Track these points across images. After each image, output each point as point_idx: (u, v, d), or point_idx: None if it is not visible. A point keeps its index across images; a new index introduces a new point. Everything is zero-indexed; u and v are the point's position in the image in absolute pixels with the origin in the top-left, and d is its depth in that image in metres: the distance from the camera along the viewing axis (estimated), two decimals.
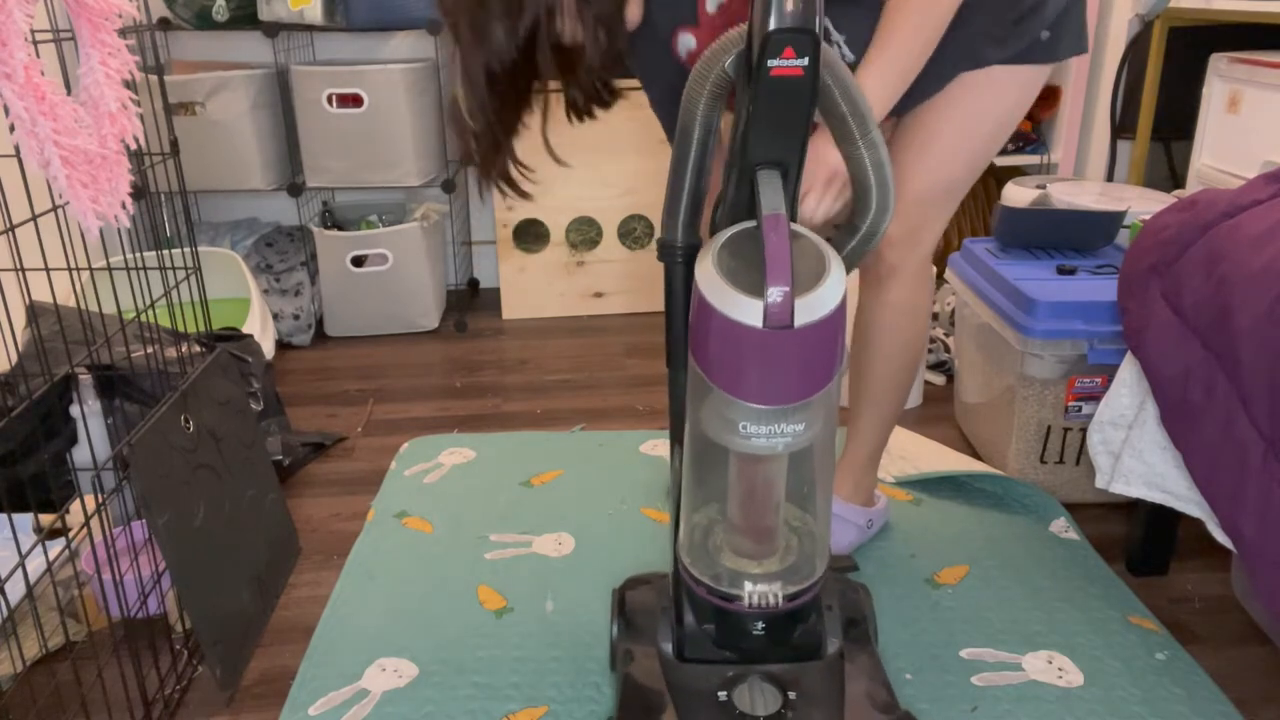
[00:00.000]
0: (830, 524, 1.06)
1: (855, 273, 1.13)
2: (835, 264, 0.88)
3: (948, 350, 2.12)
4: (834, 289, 0.85)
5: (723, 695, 1.01)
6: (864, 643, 1.10)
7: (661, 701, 1.01)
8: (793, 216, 0.91)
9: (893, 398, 1.37)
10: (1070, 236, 1.72)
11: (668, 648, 1.07)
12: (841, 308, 0.86)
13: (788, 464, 0.99)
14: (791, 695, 1.01)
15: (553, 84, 1.22)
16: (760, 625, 1.03)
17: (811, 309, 0.84)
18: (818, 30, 0.81)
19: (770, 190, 0.88)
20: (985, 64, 1.14)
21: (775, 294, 0.82)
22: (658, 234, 1.03)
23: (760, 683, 1.02)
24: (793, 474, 1.01)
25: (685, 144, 0.96)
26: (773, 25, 0.81)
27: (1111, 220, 1.71)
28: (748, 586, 0.99)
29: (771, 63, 0.83)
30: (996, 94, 1.16)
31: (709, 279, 0.87)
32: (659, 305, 1.09)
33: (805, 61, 0.83)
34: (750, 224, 0.93)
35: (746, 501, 1.00)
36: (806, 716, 0.99)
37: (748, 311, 0.83)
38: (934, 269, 1.33)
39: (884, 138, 0.95)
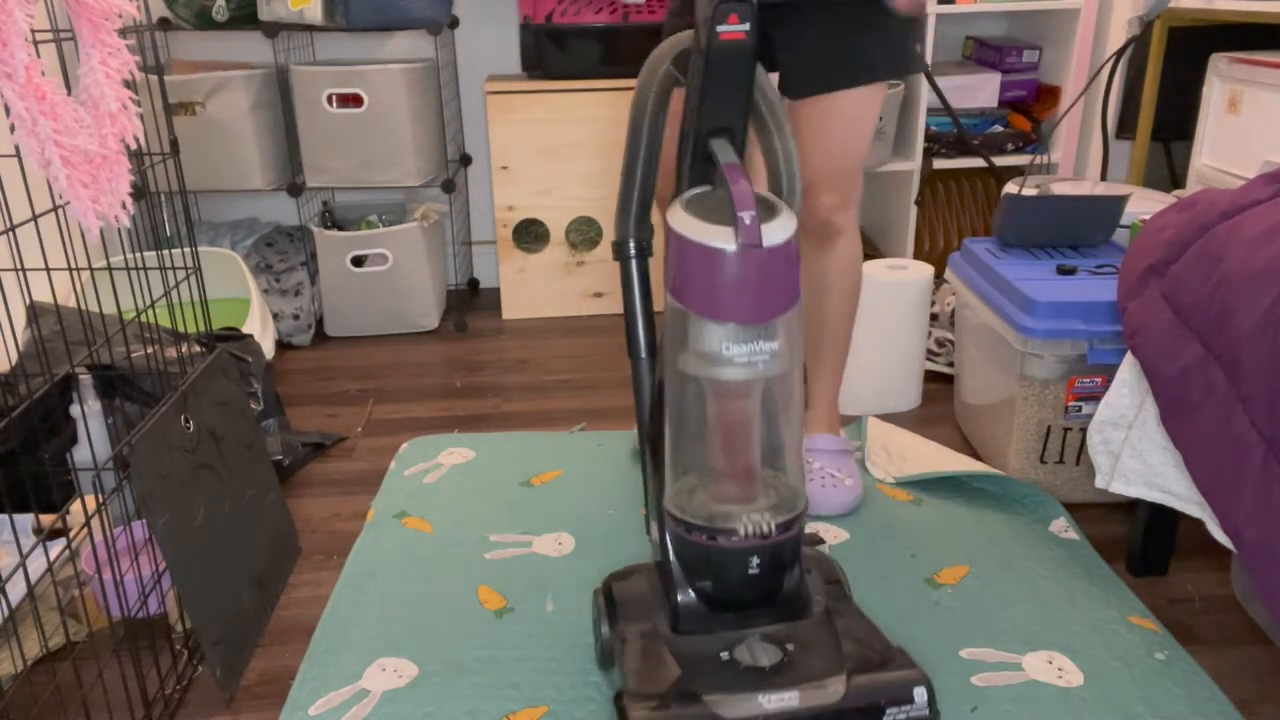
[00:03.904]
0: (803, 463, 1.15)
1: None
2: (783, 206, 1.02)
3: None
4: (788, 221, 0.99)
5: (725, 655, 1.05)
6: (846, 599, 1.17)
7: (668, 666, 1.04)
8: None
9: (848, 337, 1.62)
10: (1073, 225, 1.72)
11: (663, 624, 1.11)
12: (794, 240, 0.99)
13: (762, 404, 1.06)
14: (790, 647, 1.06)
15: None
16: (755, 562, 1.06)
17: (774, 233, 0.96)
18: (755, 1, 0.97)
19: (725, 151, 1.01)
20: (874, 80, 1.43)
21: (745, 217, 0.95)
22: (612, 236, 1.16)
23: (758, 641, 1.07)
24: (769, 417, 1.07)
25: (636, 141, 1.11)
26: None
27: (1114, 206, 1.70)
28: (741, 518, 1.05)
29: (720, 28, 0.97)
30: (875, 96, 1.46)
31: (683, 221, 0.99)
32: (658, 305, 1.15)
33: (747, 26, 0.98)
34: (703, 190, 1.05)
35: (728, 442, 1.07)
36: (807, 663, 1.04)
37: (722, 237, 0.96)
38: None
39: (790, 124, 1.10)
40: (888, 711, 1.01)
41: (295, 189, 2.35)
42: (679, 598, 1.09)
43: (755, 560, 1.06)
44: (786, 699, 1.00)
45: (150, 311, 1.24)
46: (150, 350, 1.37)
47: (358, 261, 2.38)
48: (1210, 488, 1.08)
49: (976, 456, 1.76)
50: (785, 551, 1.08)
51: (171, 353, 1.40)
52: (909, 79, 2.42)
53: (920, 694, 1.02)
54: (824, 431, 1.63)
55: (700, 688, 1.01)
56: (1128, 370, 1.24)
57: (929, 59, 2.33)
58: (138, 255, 1.23)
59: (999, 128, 2.51)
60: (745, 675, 1.03)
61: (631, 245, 1.16)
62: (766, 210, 1.00)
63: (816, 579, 1.15)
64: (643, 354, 1.18)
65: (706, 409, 1.05)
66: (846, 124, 1.44)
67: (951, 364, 2.09)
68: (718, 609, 1.09)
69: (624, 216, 1.15)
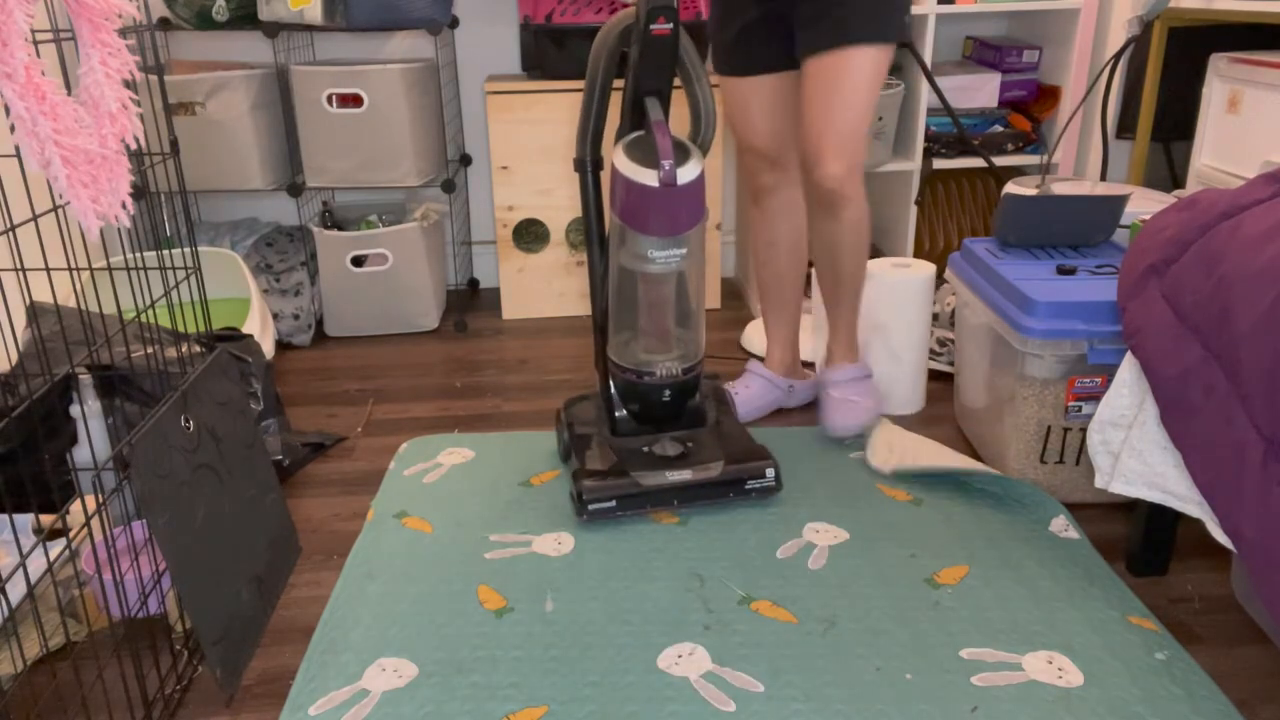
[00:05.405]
0: (703, 329, 1.60)
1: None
2: (695, 151, 1.48)
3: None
4: (697, 165, 1.45)
5: (646, 449, 1.58)
6: (730, 416, 1.69)
7: (609, 455, 1.57)
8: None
9: (860, 280, 1.80)
10: (1073, 225, 1.72)
11: (605, 430, 1.63)
12: (701, 177, 1.44)
13: (675, 288, 1.54)
14: (689, 445, 1.59)
15: None
16: (667, 393, 1.57)
17: (685, 175, 1.42)
18: (675, 6, 1.41)
19: (655, 108, 1.46)
20: (872, 42, 1.58)
21: (665, 165, 1.40)
22: (574, 154, 1.62)
23: (669, 440, 1.60)
24: (679, 297, 1.54)
25: (591, 88, 1.51)
26: (652, 5, 1.40)
27: (1115, 206, 1.70)
28: (659, 364, 1.56)
29: (652, 26, 1.41)
30: (867, 60, 1.60)
31: (624, 164, 1.43)
32: (605, 205, 1.57)
33: (671, 25, 1.42)
34: (638, 134, 1.49)
35: (652, 311, 1.55)
36: (699, 453, 1.57)
37: (650, 178, 1.41)
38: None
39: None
40: (748, 483, 1.55)
41: (295, 189, 2.35)
42: (617, 413, 1.62)
43: (668, 393, 1.58)
44: (684, 474, 1.53)
45: (150, 311, 1.25)
46: (150, 350, 1.37)
47: (358, 261, 2.38)
48: (1210, 488, 1.08)
49: (976, 456, 1.76)
50: (689, 386, 1.59)
51: (171, 353, 1.40)
52: (909, 80, 2.42)
53: (770, 472, 1.55)
54: (843, 363, 1.83)
55: (629, 468, 1.53)
56: (1128, 370, 1.24)
57: (928, 59, 2.33)
58: (138, 255, 1.24)
59: (999, 128, 2.51)
60: (659, 460, 1.55)
61: (589, 162, 1.57)
62: (682, 155, 1.44)
63: (711, 403, 1.67)
64: (595, 242, 1.59)
65: (638, 289, 1.53)
66: (841, 85, 1.59)
67: (952, 364, 2.09)
68: (642, 422, 1.61)
69: (582, 141, 1.56)
